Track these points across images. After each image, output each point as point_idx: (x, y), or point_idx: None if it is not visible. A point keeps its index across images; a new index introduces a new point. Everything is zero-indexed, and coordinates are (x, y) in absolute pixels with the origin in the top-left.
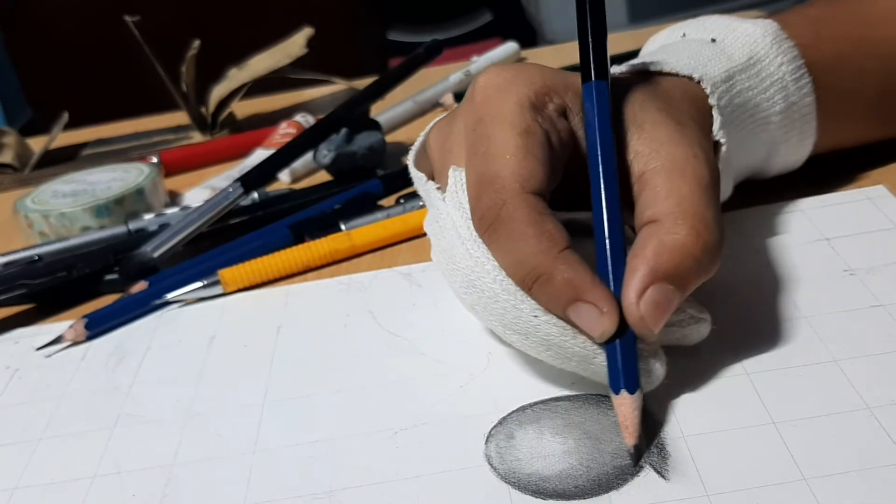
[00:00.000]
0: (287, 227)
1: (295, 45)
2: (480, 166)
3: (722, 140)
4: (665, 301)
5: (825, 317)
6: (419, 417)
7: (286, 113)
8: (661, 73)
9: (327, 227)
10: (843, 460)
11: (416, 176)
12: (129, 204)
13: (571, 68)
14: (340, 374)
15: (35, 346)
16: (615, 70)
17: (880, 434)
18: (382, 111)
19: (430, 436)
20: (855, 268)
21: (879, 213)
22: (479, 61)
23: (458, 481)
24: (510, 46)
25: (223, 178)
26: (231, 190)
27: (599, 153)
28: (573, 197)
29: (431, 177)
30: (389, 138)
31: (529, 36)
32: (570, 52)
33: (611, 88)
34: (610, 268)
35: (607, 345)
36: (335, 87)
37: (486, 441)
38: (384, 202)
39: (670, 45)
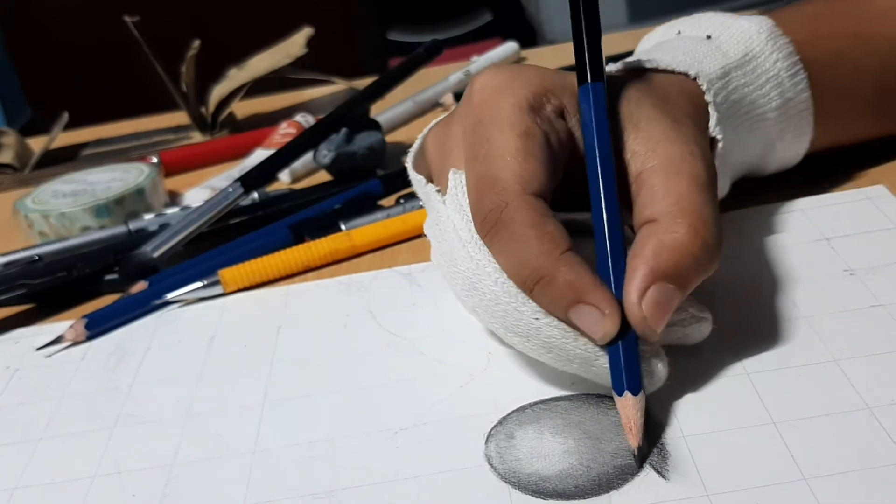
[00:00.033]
0: (287, 227)
1: (295, 45)
2: (481, 168)
3: (718, 137)
4: (666, 300)
5: (825, 317)
6: (419, 417)
7: (286, 113)
8: (656, 71)
9: (327, 227)
10: (843, 460)
11: (415, 179)
12: (129, 204)
13: (571, 68)
14: (340, 374)
15: (35, 346)
16: (610, 68)
17: (880, 434)
18: (382, 111)
19: (430, 436)
20: (855, 268)
21: (879, 212)
22: (478, 61)
23: (458, 481)
24: (510, 46)
25: (223, 178)
26: (231, 190)
27: (597, 155)
28: (573, 197)
29: (430, 179)
30: (389, 138)
31: (529, 36)
32: (569, 52)
33: (606, 88)
34: (610, 268)
35: (609, 346)
36: (335, 87)
37: (486, 441)
38: (384, 202)
39: (665, 43)
